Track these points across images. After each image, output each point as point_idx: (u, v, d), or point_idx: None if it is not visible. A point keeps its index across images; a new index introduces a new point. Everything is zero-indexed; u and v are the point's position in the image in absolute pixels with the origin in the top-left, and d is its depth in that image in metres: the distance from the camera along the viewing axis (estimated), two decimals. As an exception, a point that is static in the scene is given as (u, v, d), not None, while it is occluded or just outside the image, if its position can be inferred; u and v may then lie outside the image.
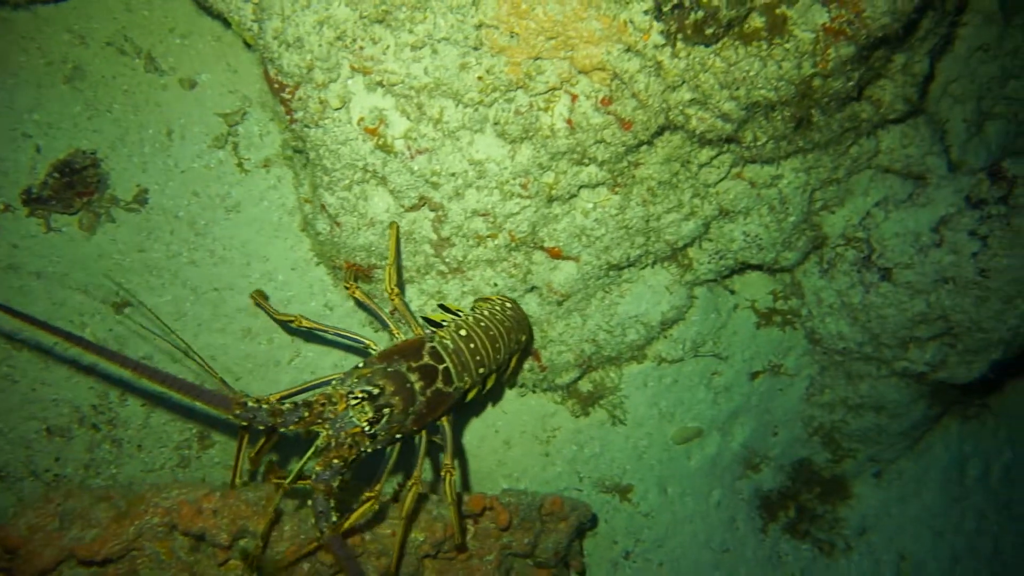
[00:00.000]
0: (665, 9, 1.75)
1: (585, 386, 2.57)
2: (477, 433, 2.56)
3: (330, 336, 2.34)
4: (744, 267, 2.53)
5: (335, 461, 1.72)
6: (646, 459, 2.66)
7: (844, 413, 2.86)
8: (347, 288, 2.12)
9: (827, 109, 2.08)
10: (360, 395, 1.77)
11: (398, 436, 1.85)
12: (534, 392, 2.54)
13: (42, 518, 1.84)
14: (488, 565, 2.07)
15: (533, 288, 2.33)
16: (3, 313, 1.52)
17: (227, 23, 2.05)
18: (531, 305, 2.36)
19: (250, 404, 1.68)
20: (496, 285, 2.27)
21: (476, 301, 2.25)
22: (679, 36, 1.80)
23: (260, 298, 2.22)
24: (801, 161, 2.30)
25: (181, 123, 2.20)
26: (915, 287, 2.46)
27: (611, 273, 2.35)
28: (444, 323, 2.08)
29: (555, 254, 2.26)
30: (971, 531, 3.21)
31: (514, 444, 2.57)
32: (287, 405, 1.74)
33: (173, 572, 1.77)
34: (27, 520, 1.84)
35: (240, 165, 2.25)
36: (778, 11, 1.82)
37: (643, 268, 2.42)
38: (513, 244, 2.18)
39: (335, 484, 1.70)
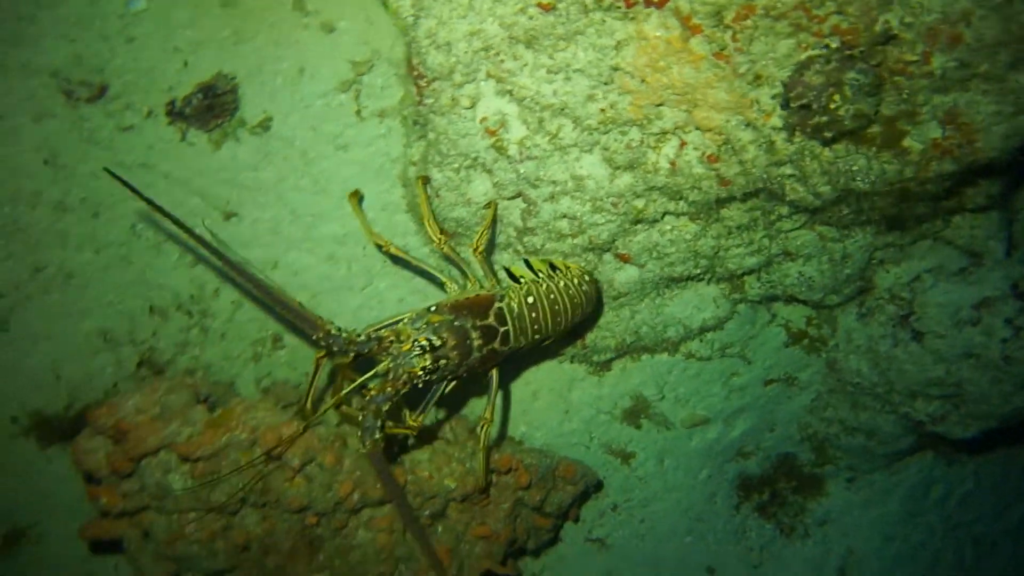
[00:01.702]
0: (792, 104, 1.85)
1: (617, 366, 2.84)
2: (510, 380, 2.85)
3: (413, 265, 2.49)
4: (791, 299, 2.72)
5: (388, 389, 2.01)
6: (654, 434, 2.98)
7: (839, 430, 3.14)
8: (437, 242, 2.23)
9: (914, 204, 2.20)
10: (424, 343, 2.03)
11: (449, 377, 2.13)
12: (571, 362, 2.81)
13: (147, 404, 2.17)
14: (502, 511, 2.42)
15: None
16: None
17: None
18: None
19: (332, 331, 1.94)
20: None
21: (560, 262, 2.37)
22: (798, 128, 1.90)
23: (356, 204, 2.38)
24: (875, 230, 2.43)
25: (313, 63, 2.32)
26: (941, 355, 2.66)
27: (670, 284, 2.55)
28: (521, 279, 2.29)
29: (624, 259, 2.44)
30: (917, 542, 3.58)
31: (540, 397, 2.87)
32: (362, 337, 2.00)
33: (248, 476, 2.11)
34: (135, 402, 2.17)
35: (358, 112, 2.39)
36: (897, 124, 1.91)
37: (698, 282, 2.61)
38: (589, 246, 2.36)
39: (385, 408, 1.98)
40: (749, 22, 1.79)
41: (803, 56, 1.82)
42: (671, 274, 2.47)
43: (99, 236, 2.34)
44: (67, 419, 2.44)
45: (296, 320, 1.93)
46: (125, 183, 1.77)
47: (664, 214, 2.27)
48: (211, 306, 2.52)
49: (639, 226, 2.31)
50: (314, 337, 1.95)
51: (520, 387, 2.85)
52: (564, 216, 2.26)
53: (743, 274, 2.56)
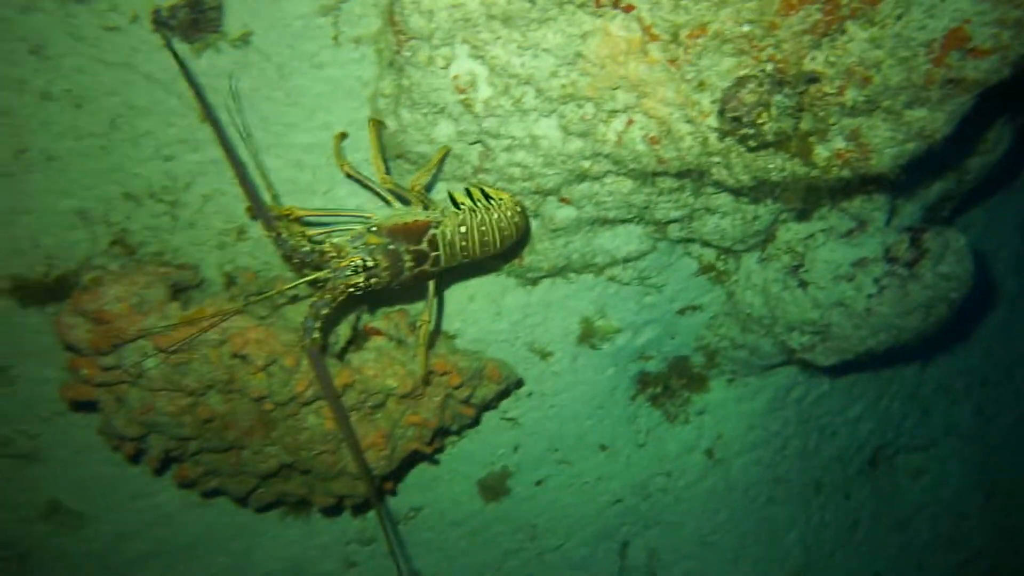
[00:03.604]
0: (727, 115, 2.13)
1: (547, 281, 3.21)
2: (448, 285, 3.19)
3: (364, 184, 2.72)
4: (705, 243, 3.10)
5: (327, 296, 2.35)
6: (571, 338, 3.42)
7: (728, 344, 3.66)
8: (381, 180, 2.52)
9: (818, 193, 2.56)
10: (359, 262, 2.35)
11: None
12: (507, 276, 3.16)
13: (127, 294, 2.43)
14: (433, 404, 2.85)
15: (537, 215, 2.84)
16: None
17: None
18: (532, 225, 2.89)
19: (283, 235, 2.27)
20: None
21: (494, 192, 2.63)
22: (729, 134, 2.19)
23: (339, 140, 2.63)
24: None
25: (296, -15, 2.42)
26: (818, 302, 3.13)
27: (603, 224, 2.88)
28: (461, 205, 2.59)
29: (565, 202, 2.75)
30: (774, 431, 4.25)
31: (476, 301, 3.22)
32: (306, 247, 2.32)
33: (216, 369, 2.44)
34: (116, 292, 2.43)
35: (335, 37, 2.52)
36: (810, 139, 2.22)
37: (627, 223, 2.95)
38: (536, 190, 2.65)
39: (324, 311, 2.33)
40: (700, 40, 2.03)
41: (741, 73, 2.09)
42: (605, 216, 2.80)
43: (80, 126, 2.47)
44: (44, 284, 2.67)
45: (259, 215, 2.18)
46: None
47: (606, 173, 2.57)
48: (182, 197, 2.72)
49: (583, 180, 2.60)
50: (267, 235, 2.23)
51: (458, 291, 3.20)
52: (518, 165, 2.52)
53: (667, 222, 2.91)
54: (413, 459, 3.12)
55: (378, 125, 2.54)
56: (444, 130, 2.49)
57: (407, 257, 2.39)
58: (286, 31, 2.50)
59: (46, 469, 2.98)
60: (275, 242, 2.30)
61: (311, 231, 2.41)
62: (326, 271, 2.33)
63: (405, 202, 2.55)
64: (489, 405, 3.12)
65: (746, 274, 3.29)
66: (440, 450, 3.38)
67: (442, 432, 3.01)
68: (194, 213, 2.76)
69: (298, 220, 2.45)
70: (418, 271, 2.44)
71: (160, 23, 2.33)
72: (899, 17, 1.93)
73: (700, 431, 4.07)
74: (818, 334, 3.28)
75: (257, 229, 2.85)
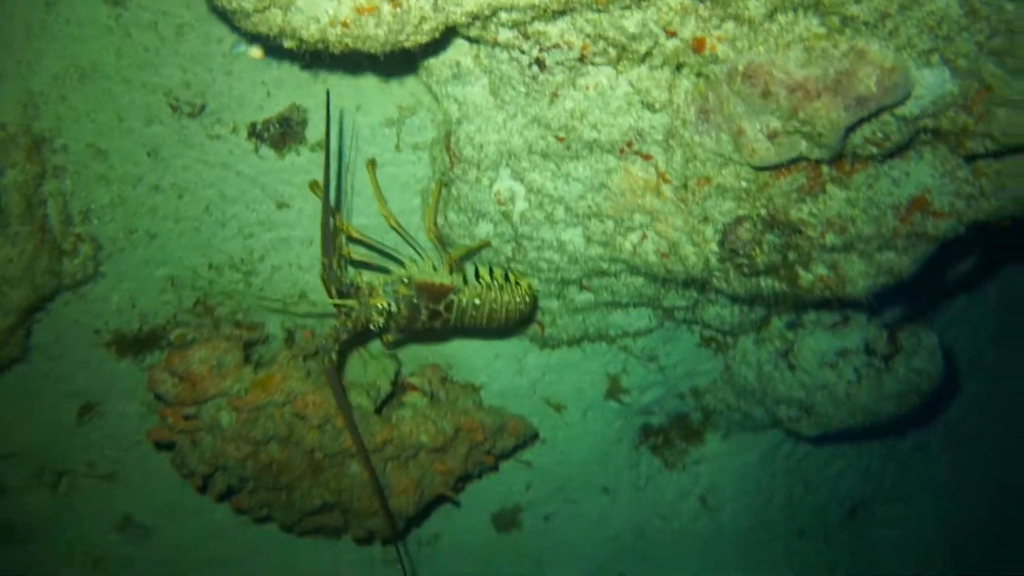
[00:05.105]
0: (726, 246, 2.53)
1: (565, 347, 3.64)
2: (476, 343, 3.62)
3: (404, 237, 2.98)
4: (706, 326, 3.52)
5: (349, 324, 2.72)
6: (583, 395, 3.85)
7: (724, 407, 4.07)
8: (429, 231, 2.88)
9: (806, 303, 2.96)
10: (384, 306, 2.72)
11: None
12: (530, 341, 3.59)
13: (209, 357, 2.87)
14: (459, 455, 3.27)
15: (559, 297, 3.26)
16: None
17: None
18: (553, 304, 3.31)
19: (333, 267, 2.63)
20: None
21: (514, 275, 3.03)
22: (727, 260, 2.60)
23: (373, 172, 2.91)
24: (774, 299, 3.20)
25: (368, 103, 2.85)
26: (804, 385, 3.54)
27: (618, 306, 3.30)
28: (480, 280, 2.96)
29: (585, 288, 3.17)
30: (763, 482, 4.66)
31: (500, 359, 3.66)
32: (348, 281, 2.70)
33: (279, 425, 2.88)
34: (200, 355, 2.87)
35: (397, 146, 2.96)
36: (796, 268, 2.63)
37: (637, 307, 3.37)
38: (559, 280, 3.07)
39: (343, 337, 2.71)
40: (706, 188, 2.44)
41: (740, 213, 2.50)
42: (619, 301, 3.22)
43: (180, 212, 2.93)
44: (138, 337, 3.13)
45: (324, 241, 2.56)
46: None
47: (621, 272, 2.99)
48: (256, 267, 3.16)
49: (602, 276, 3.02)
50: (322, 261, 2.63)
51: (485, 350, 3.63)
52: (546, 261, 2.95)
53: (674, 309, 3.33)
54: (439, 500, 3.55)
55: (440, 185, 2.89)
56: (483, 229, 2.91)
57: (424, 313, 2.77)
58: (357, 137, 2.93)
59: (122, 489, 3.44)
60: (324, 267, 2.62)
61: (355, 254, 2.85)
62: (355, 303, 2.71)
63: (437, 261, 2.89)
64: (507, 455, 3.56)
65: (742, 352, 3.70)
66: (461, 490, 3.81)
67: (465, 477, 3.45)
68: (264, 280, 3.20)
69: (349, 238, 2.83)
70: (428, 325, 2.84)
71: (255, 135, 2.78)
72: (870, 186, 2.33)
73: (695, 479, 4.48)
74: (803, 410, 3.69)
75: (315, 294, 3.30)
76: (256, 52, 2.63)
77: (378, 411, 3.19)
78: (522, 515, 4.17)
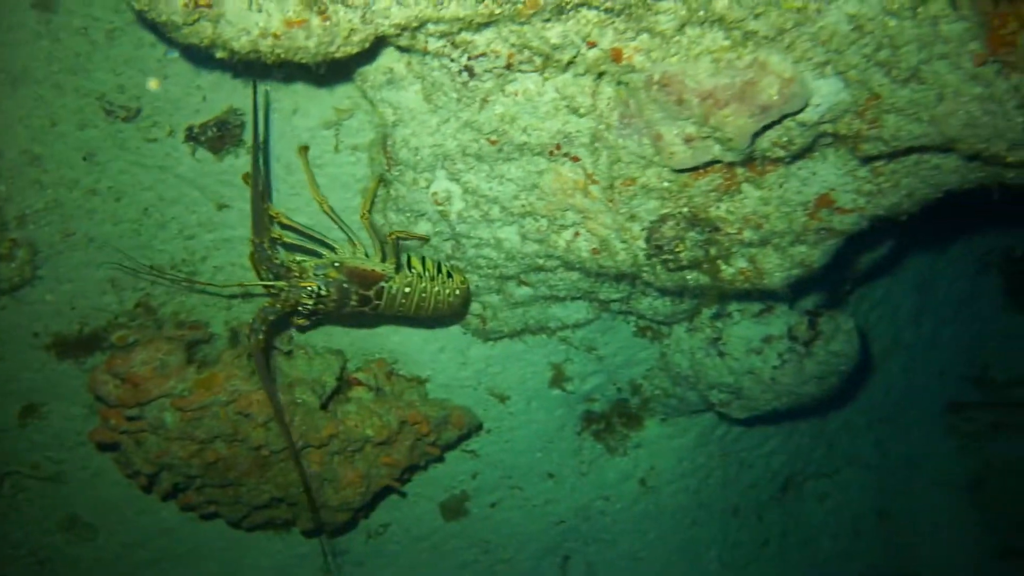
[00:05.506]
0: (652, 243, 2.67)
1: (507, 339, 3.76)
2: (421, 337, 3.71)
3: (337, 223, 2.99)
4: (641, 316, 3.67)
5: (277, 306, 2.77)
6: (526, 385, 3.97)
7: (660, 393, 4.24)
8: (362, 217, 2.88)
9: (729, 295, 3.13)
10: (314, 288, 2.74)
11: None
12: (472, 335, 3.70)
13: (151, 358, 2.90)
14: (404, 447, 3.37)
15: (500, 292, 3.37)
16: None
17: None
18: (493, 298, 3.42)
19: (265, 245, 2.66)
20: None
21: (448, 268, 3.09)
22: (653, 256, 2.74)
23: (306, 160, 2.92)
24: (701, 290, 3.36)
25: (305, 106, 2.91)
26: (732, 369, 3.72)
27: (556, 300, 3.43)
28: (412, 269, 3.00)
29: (523, 283, 3.29)
30: (699, 463, 4.84)
31: (445, 351, 3.76)
32: (278, 260, 2.71)
33: (224, 424, 2.94)
34: (142, 357, 2.91)
35: (336, 147, 3.03)
36: (718, 262, 2.78)
37: (574, 300, 3.50)
38: (498, 276, 3.18)
39: (271, 318, 2.76)
40: (631, 188, 2.57)
41: (664, 211, 2.64)
42: (556, 295, 3.35)
43: (119, 214, 2.95)
44: (79, 339, 3.15)
45: (254, 221, 2.60)
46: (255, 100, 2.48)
47: (557, 267, 3.11)
48: (198, 268, 3.20)
49: (539, 272, 3.14)
50: (252, 239, 2.67)
51: (430, 342, 3.73)
52: (484, 258, 3.05)
53: (609, 301, 3.47)
54: (386, 491, 3.65)
55: (379, 179, 2.94)
56: (423, 227, 3.00)
57: (354, 298, 2.82)
58: (295, 139, 2.99)
59: (67, 489, 3.46)
60: (255, 247, 2.64)
61: (286, 237, 2.87)
62: (284, 284, 2.73)
63: (369, 248, 2.92)
64: (452, 445, 3.67)
65: (676, 341, 3.87)
66: (408, 481, 3.91)
67: (411, 468, 3.55)
68: (206, 280, 3.24)
69: (280, 225, 2.85)
70: (357, 310, 2.89)
71: (192, 138, 2.82)
72: (781, 185, 2.49)
73: (636, 462, 4.65)
74: (733, 394, 3.87)
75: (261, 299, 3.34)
76: (152, 84, 2.68)
77: (324, 407, 3.26)
78: (469, 503, 4.29)
